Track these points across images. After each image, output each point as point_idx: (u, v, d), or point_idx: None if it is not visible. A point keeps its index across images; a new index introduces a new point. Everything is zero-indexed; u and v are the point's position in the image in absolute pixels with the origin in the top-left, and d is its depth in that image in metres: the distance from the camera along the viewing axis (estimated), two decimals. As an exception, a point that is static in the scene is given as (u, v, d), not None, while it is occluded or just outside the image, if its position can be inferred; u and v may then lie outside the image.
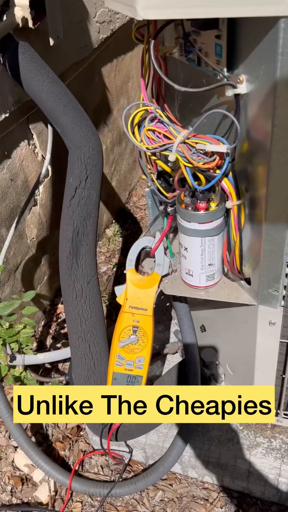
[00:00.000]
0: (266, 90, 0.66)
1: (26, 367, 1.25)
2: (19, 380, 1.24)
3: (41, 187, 1.54)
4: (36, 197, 1.53)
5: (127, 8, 0.64)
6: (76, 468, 1.25)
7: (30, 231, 1.53)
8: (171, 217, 0.95)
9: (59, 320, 1.70)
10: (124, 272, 0.96)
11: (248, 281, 0.91)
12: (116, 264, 1.99)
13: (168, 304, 1.53)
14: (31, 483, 1.24)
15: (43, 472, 1.20)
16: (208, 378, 1.17)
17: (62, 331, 1.65)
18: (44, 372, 1.49)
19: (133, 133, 0.82)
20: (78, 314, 1.10)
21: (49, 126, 1.36)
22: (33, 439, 1.34)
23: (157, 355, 1.28)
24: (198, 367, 1.09)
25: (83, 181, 1.15)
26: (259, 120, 0.71)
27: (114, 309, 1.75)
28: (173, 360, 1.36)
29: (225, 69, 0.70)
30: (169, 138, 0.77)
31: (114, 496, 1.17)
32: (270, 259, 0.82)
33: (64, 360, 1.46)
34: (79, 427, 1.36)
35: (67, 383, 1.26)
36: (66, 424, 1.36)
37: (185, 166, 0.77)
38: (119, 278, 1.94)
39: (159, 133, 0.78)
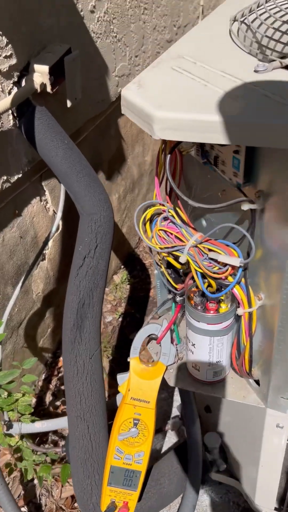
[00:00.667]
0: (282, 206, 0.63)
1: (22, 436, 1.21)
2: (12, 447, 1.21)
3: (50, 242, 1.52)
4: (44, 252, 1.51)
5: (145, 125, 0.62)
6: None
7: (36, 286, 1.51)
8: (179, 307, 0.92)
9: (60, 375, 1.66)
10: (128, 360, 0.93)
11: (257, 382, 0.87)
12: (122, 313, 1.96)
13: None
14: None
15: None
16: (210, 463, 1.12)
17: (62, 387, 1.61)
18: (41, 435, 1.45)
19: (145, 228, 0.80)
20: (78, 391, 1.06)
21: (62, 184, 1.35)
22: (25, 508, 1.29)
23: (158, 431, 1.24)
24: (200, 456, 1.04)
25: (92, 250, 1.13)
26: (275, 231, 0.68)
27: (116, 365, 1.71)
28: (173, 435, 1.32)
29: (241, 182, 0.67)
30: (181, 240, 0.75)
31: None
32: (281, 368, 0.78)
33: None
34: (73, 498, 1.31)
35: (63, 455, 1.22)
36: (61, 493, 1.32)
37: (195, 269, 0.74)
38: (125, 329, 1.91)
39: (171, 233, 0.76)
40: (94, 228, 1.15)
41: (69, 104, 1.33)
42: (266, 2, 0.88)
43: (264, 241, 0.72)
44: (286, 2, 0.81)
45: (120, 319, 1.94)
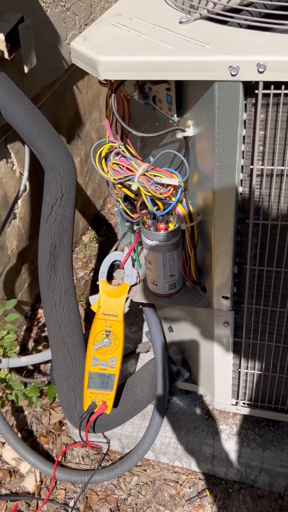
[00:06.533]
0: (208, 134, 0.79)
1: (10, 370, 1.36)
2: (4, 382, 1.36)
3: (19, 202, 1.65)
4: (15, 211, 1.64)
5: (91, 68, 0.76)
6: (59, 459, 1.37)
7: (10, 243, 1.64)
8: (137, 235, 1.08)
9: (39, 324, 1.81)
10: (97, 283, 1.09)
11: (204, 289, 1.04)
12: (93, 269, 2.11)
13: (140, 307, 1.66)
14: (18, 475, 1.36)
15: (29, 464, 1.33)
16: (176, 373, 1.30)
17: (43, 334, 1.77)
18: (27, 373, 1.61)
19: (101, 164, 0.94)
20: (57, 320, 1.22)
21: (26, 145, 1.47)
22: (19, 435, 1.45)
23: (131, 354, 1.41)
24: (165, 365, 1.22)
25: (59, 199, 1.27)
26: (205, 157, 0.84)
27: (91, 312, 1.87)
28: (145, 358, 1.49)
29: (175, 115, 0.83)
30: (131, 171, 0.90)
31: (94, 482, 1.30)
32: (221, 270, 0.96)
33: (46, 362, 1.58)
34: (61, 423, 1.48)
35: (49, 383, 1.38)
36: (49, 420, 1.48)
37: (145, 194, 0.90)
38: (96, 282, 2.06)
39: (123, 166, 0.91)
40: (59, 180, 1.28)
41: (26, 69, 1.44)
42: None
43: (199, 166, 0.88)
44: None
45: (91, 274, 2.09)
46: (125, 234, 1.15)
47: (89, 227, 2.32)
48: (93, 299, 1.09)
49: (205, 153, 0.83)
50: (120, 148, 0.91)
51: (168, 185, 0.88)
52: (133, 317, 1.62)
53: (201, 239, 0.96)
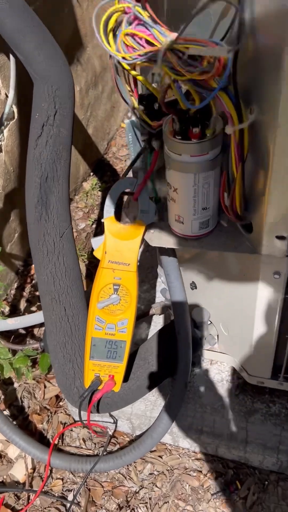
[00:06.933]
0: None
1: (-5, 335, 1.11)
2: (-12, 349, 1.11)
3: (5, 131, 1.35)
4: (0, 142, 1.34)
5: None
6: (56, 442, 1.13)
7: (-5, 182, 1.35)
8: (157, 153, 0.79)
9: (33, 282, 1.55)
10: (102, 221, 0.81)
11: (248, 227, 0.76)
12: (96, 220, 1.83)
13: (153, 260, 1.39)
14: (6, 460, 1.12)
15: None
16: (200, 340, 1.04)
17: (37, 293, 1.51)
18: (18, 338, 1.36)
19: (107, 39, 0.65)
20: (50, 272, 0.95)
21: (11, 57, 1.16)
22: (6, 412, 1.21)
23: (143, 317, 1.15)
24: (189, 329, 0.96)
25: (51, 117, 0.98)
26: (270, 18, 0.54)
27: (94, 268, 1.60)
28: (159, 321, 1.24)
29: None
30: (152, 44, 0.61)
31: (99, 471, 1.06)
32: (279, 198, 0.67)
33: (40, 325, 1.33)
34: (58, 397, 1.24)
35: (43, 351, 1.13)
36: (44, 394, 1.24)
37: (174, 80, 0.61)
38: (99, 234, 1.79)
39: (140, 38, 0.61)
40: (51, 92, 0.99)
41: None
42: None
43: (257, 36, 0.58)
44: None
45: (94, 226, 1.82)
46: (139, 155, 0.86)
47: (91, 173, 2.02)
48: (96, 241, 0.82)
49: (271, 12, 0.54)
50: (136, 9, 0.61)
51: (208, 63, 0.58)
52: (145, 273, 1.35)
53: (251, 152, 0.68)
